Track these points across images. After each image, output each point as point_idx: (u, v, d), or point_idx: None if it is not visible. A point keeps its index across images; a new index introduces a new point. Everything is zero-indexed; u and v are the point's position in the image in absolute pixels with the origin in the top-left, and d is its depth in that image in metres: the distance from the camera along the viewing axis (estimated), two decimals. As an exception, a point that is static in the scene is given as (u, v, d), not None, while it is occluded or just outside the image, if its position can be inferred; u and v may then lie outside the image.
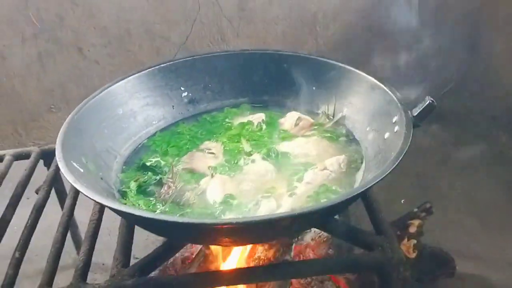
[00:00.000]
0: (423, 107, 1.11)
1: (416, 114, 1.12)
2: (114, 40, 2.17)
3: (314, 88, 1.42)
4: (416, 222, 1.36)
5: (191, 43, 2.17)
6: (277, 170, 1.19)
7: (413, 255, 1.33)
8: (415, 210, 1.40)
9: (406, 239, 1.35)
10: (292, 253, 1.26)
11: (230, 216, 1.06)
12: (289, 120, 1.38)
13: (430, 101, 1.11)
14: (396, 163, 0.98)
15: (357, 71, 1.33)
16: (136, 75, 1.38)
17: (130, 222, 1.12)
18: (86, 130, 1.20)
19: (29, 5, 2.03)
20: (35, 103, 2.25)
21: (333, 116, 1.37)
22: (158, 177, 1.18)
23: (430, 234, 1.46)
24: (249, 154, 1.25)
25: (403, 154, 1.00)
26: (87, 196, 0.94)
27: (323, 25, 2.16)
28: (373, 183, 0.93)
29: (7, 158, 1.44)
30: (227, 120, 1.41)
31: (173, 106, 1.44)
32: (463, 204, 1.76)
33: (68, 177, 0.98)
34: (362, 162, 1.20)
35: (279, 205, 1.09)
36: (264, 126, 1.37)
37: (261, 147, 1.28)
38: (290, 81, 1.45)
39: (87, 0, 2.06)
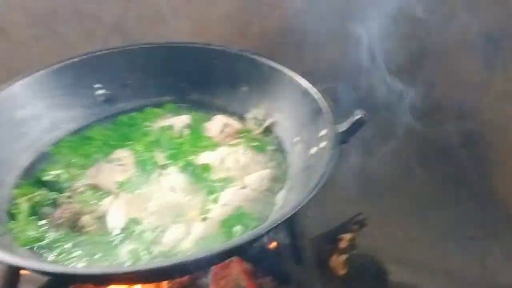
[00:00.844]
0: (352, 122, 0.99)
1: (343, 130, 1.00)
2: (39, 21, 1.95)
3: (245, 88, 1.29)
4: (348, 236, 1.26)
5: (125, 24, 1.97)
6: (193, 187, 1.07)
7: (342, 272, 1.24)
8: (348, 221, 1.30)
9: (336, 255, 1.25)
10: (209, 276, 1.14)
11: (130, 246, 0.94)
12: (215, 124, 1.25)
13: (361, 115, 0.99)
14: (316, 190, 0.86)
15: (290, 72, 1.20)
16: (42, 71, 1.22)
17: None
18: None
19: None
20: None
21: (262, 122, 1.24)
22: (53, 197, 1.03)
23: (364, 238, 1.36)
24: (164, 167, 1.11)
25: (325, 178, 0.89)
26: None
27: (270, 6, 1.98)
28: (282, 219, 0.81)
29: None
30: (146, 123, 1.27)
31: (86, 106, 1.28)
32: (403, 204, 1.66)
33: None
34: (285, 177, 1.08)
35: (188, 232, 0.96)
36: (187, 132, 1.23)
37: (179, 158, 1.14)
38: (220, 79, 1.31)
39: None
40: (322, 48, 1.71)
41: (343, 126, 1.00)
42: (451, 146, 1.61)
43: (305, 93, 1.14)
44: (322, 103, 1.08)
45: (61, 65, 1.25)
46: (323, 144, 1.01)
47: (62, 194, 1.04)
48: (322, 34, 1.73)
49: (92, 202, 1.03)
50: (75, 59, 1.27)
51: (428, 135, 1.56)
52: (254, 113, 1.26)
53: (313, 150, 1.05)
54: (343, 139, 0.99)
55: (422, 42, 1.62)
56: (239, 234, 0.95)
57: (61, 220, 0.98)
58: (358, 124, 0.99)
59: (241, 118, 1.28)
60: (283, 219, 0.81)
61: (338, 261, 1.22)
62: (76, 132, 1.24)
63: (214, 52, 1.31)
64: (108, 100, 1.31)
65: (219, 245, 0.89)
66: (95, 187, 1.07)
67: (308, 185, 0.91)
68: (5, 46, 2.02)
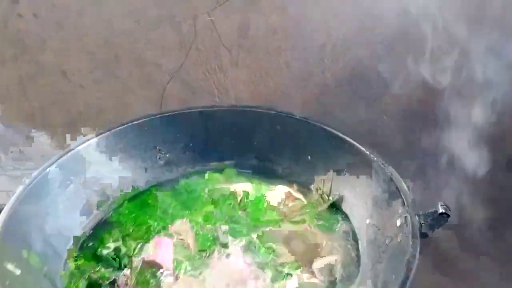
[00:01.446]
0: (434, 217, 0.91)
1: (424, 223, 0.91)
2: (101, 65, 1.97)
3: (309, 157, 1.22)
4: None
5: (185, 72, 1.96)
6: (256, 272, 1.00)
7: None
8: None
9: None
10: None
11: None
12: (278, 195, 1.18)
13: (444, 210, 0.90)
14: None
15: (359, 146, 1.13)
16: (104, 134, 1.20)
17: None
18: (36, 210, 1.02)
19: (8, 26, 1.84)
20: (16, 128, 2.08)
21: (329, 196, 1.17)
22: (112, 276, 0.99)
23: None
24: (225, 245, 1.05)
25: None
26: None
27: (332, 58, 1.93)
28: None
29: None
30: (206, 190, 1.22)
31: (146, 169, 1.25)
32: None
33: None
34: (358, 268, 1.00)
35: None
36: (248, 202, 1.17)
37: (241, 235, 1.08)
38: (283, 145, 1.26)
39: (73, 22, 1.87)
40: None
41: (424, 219, 0.91)
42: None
43: (377, 170, 1.06)
44: (399, 184, 0.99)
45: (123, 128, 1.22)
46: (400, 236, 0.93)
47: (121, 272, 0.99)
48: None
49: (152, 282, 0.98)
50: (138, 121, 1.24)
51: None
52: (319, 185, 1.19)
53: (388, 240, 0.97)
54: (424, 233, 0.90)
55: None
56: None
57: (119, 304, 0.93)
58: (441, 218, 0.90)
59: (305, 189, 1.21)
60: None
61: None
62: (135, 197, 1.20)
63: (277, 118, 1.26)
64: (168, 163, 1.27)
65: None
66: (153, 265, 1.02)
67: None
68: (66, 89, 2.04)
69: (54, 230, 1.05)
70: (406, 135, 1.48)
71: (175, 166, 1.28)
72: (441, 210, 0.90)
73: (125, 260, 1.03)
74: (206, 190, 1.22)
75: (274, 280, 0.98)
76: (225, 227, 1.10)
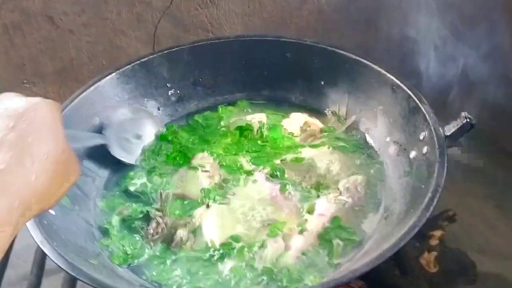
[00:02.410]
0: (459, 125, 0.92)
1: (449, 134, 0.93)
2: (88, 7, 1.89)
3: (322, 83, 1.22)
4: (438, 233, 1.21)
5: (175, 8, 1.89)
6: (284, 195, 1.02)
7: (434, 270, 1.19)
8: (437, 217, 1.25)
9: (426, 252, 1.20)
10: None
11: (231, 263, 0.90)
12: (294, 123, 1.19)
13: (467, 120, 0.92)
14: (430, 209, 0.81)
15: (374, 66, 1.13)
16: (114, 74, 1.17)
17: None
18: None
19: (-13, -28, 1.74)
20: (6, 80, 2.02)
21: (345, 119, 1.18)
22: (145, 210, 1.00)
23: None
24: (250, 173, 1.07)
25: (438, 195, 0.83)
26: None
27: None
28: (401, 244, 0.76)
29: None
30: (222, 123, 1.21)
31: (159, 108, 1.24)
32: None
33: (35, 236, 0.81)
34: (383, 185, 1.03)
35: (288, 247, 0.92)
36: (265, 132, 1.17)
37: (263, 162, 1.10)
38: (294, 73, 1.25)
39: (54, -37, 1.78)
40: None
41: (449, 130, 0.93)
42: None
43: (396, 88, 1.07)
44: (419, 99, 1.01)
45: (130, 67, 1.19)
46: (425, 149, 0.95)
47: (152, 206, 1.00)
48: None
49: (184, 214, 0.99)
50: (145, 59, 1.21)
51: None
52: (334, 109, 1.20)
53: (413, 154, 0.99)
54: (448, 144, 0.92)
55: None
56: (341, 249, 0.91)
57: (157, 236, 0.95)
58: (465, 128, 0.92)
59: (320, 114, 1.22)
60: (401, 244, 0.76)
61: (429, 259, 1.17)
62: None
63: (286, 45, 1.24)
64: (180, 99, 1.26)
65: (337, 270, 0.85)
66: (183, 197, 1.03)
67: (418, 199, 0.85)
68: (55, 36, 1.97)
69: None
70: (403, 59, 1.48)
71: (187, 102, 1.27)
72: (465, 120, 0.91)
73: (152, 195, 1.04)
74: (222, 123, 1.21)
75: (303, 200, 1.00)
76: (247, 157, 1.11)
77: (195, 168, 1.09)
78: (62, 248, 0.81)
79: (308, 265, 0.89)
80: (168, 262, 0.92)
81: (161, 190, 1.03)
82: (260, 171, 1.07)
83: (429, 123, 0.96)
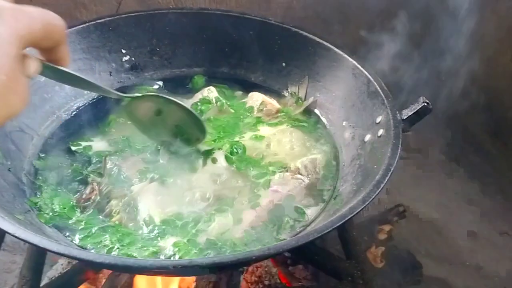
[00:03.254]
0: (416, 109, 0.91)
1: (406, 117, 0.92)
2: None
3: (283, 64, 1.19)
4: (387, 228, 1.20)
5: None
6: (241, 172, 0.97)
7: (380, 265, 1.18)
8: (387, 212, 1.24)
9: (374, 247, 1.19)
10: (242, 277, 1.07)
11: (172, 239, 0.85)
12: (251, 102, 1.15)
13: (425, 104, 0.91)
14: (381, 187, 0.78)
15: (337, 50, 1.11)
16: (67, 31, 1.09)
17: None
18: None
19: None
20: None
21: (303, 100, 1.15)
22: (84, 172, 0.93)
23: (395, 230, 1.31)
24: (210, 152, 1.01)
25: (389, 174, 0.80)
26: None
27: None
28: (340, 222, 0.73)
29: None
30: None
31: (110, 73, 1.18)
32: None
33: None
34: (338, 166, 1.00)
35: (238, 220, 0.88)
36: (224, 108, 1.13)
37: (223, 138, 1.05)
38: (256, 52, 1.21)
39: None
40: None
41: (406, 114, 0.92)
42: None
43: (356, 72, 1.05)
44: (379, 83, 0.99)
45: (85, 26, 1.13)
46: (381, 131, 0.93)
47: (91, 170, 0.94)
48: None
49: (123, 185, 0.93)
50: (101, 20, 1.15)
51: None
52: (293, 91, 1.17)
53: (368, 137, 0.97)
54: (404, 128, 0.91)
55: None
56: (290, 226, 0.88)
57: (89, 202, 0.88)
58: (422, 113, 0.91)
59: (278, 96, 1.19)
60: (342, 221, 0.73)
61: (376, 254, 1.15)
62: (100, 100, 1.13)
63: (251, 22, 1.21)
64: (134, 67, 1.20)
65: (272, 242, 0.81)
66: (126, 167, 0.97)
67: (368, 179, 0.83)
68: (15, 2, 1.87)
69: (14, 127, 0.97)
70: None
71: (141, 71, 1.21)
72: (422, 103, 0.90)
73: (96, 160, 0.97)
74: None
75: (259, 177, 0.96)
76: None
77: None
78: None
79: (255, 238, 0.85)
80: (94, 229, 0.85)
81: (106, 157, 0.96)
82: (219, 149, 1.01)
83: (386, 107, 0.95)
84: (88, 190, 0.90)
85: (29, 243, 0.66)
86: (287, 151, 1.02)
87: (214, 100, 1.13)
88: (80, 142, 1.01)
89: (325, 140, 1.07)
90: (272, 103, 1.14)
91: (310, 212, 0.91)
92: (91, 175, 0.94)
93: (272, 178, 0.95)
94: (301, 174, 0.95)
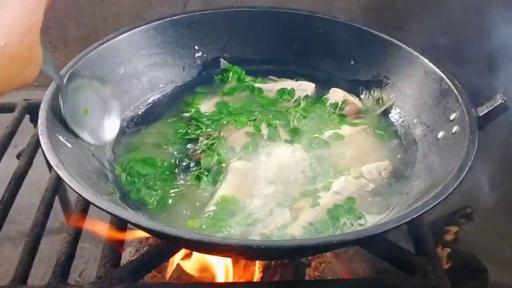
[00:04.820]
0: (492, 106, 0.90)
1: (482, 114, 0.91)
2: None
3: (352, 62, 1.20)
4: (454, 229, 1.18)
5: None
6: (310, 168, 0.99)
7: (446, 266, 1.16)
8: (454, 213, 1.22)
9: (440, 247, 1.17)
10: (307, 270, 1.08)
11: (226, 221, 0.87)
12: (334, 98, 1.16)
13: (502, 101, 0.89)
14: (458, 182, 0.78)
15: (407, 48, 1.11)
16: (144, 27, 1.15)
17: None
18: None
19: None
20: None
21: (381, 101, 1.15)
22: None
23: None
24: (287, 141, 1.04)
25: (466, 170, 0.80)
26: (73, 190, 0.75)
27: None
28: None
29: (-14, 110, 1.24)
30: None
31: (183, 68, 1.22)
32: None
33: (51, 160, 0.78)
34: (408, 168, 0.99)
35: (296, 217, 0.89)
36: (303, 103, 1.16)
37: (302, 133, 1.07)
38: (324, 50, 1.23)
39: None
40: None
41: (482, 111, 0.91)
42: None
43: (428, 70, 1.05)
44: (452, 81, 0.99)
45: (161, 22, 1.18)
46: (455, 128, 0.93)
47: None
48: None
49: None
50: (176, 17, 1.19)
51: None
52: (365, 91, 1.18)
53: (441, 134, 0.96)
54: (480, 125, 0.90)
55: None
56: (347, 228, 0.87)
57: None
58: (498, 110, 0.90)
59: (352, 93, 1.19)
60: (421, 212, 0.73)
61: (442, 254, 1.14)
62: (173, 93, 1.18)
63: (319, 21, 1.23)
64: (205, 63, 1.24)
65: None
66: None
67: (443, 175, 0.83)
68: (82, 2, 1.97)
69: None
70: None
71: (212, 67, 1.25)
72: (500, 100, 0.89)
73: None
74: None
75: (324, 176, 0.97)
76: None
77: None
78: (78, 178, 0.78)
79: (316, 233, 0.86)
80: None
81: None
82: (299, 142, 1.04)
83: (461, 104, 0.94)
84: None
85: (122, 218, 0.70)
86: (356, 154, 1.02)
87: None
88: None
89: (396, 138, 1.07)
90: (355, 101, 1.15)
91: (370, 218, 0.90)
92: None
93: (335, 180, 0.95)
94: (365, 179, 0.95)
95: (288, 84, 1.20)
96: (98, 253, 1.31)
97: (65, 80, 0.88)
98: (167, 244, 0.90)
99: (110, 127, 0.96)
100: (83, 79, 0.93)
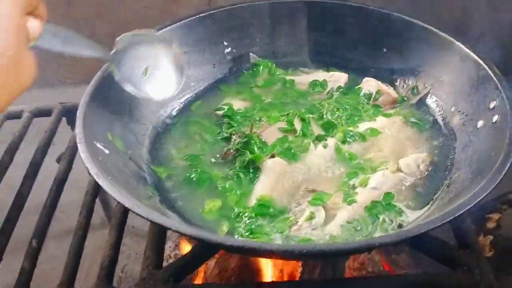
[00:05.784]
0: (535, 94, 0.87)
1: (524, 102, 0.88)
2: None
3: (384, 50, 1.18)
4: (496, 216, 1.16)
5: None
6: (345, 164, 0.98)
7: (489, 254, 1.14)
8: (496, 199, 1.19)
9: (482, 235, 1.15)
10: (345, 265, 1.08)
11: (262, 221, 0.87)
12: (367, 88, 1.14)
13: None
14: (502, 174, 0.76)
15: (442, 33, 1.08)
16: (172, 26, 1.15)
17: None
18: (113, 96, 0.99)
19: None
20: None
21: (413, 88, 1.13)
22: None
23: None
24: (320, 137, 1.02)
25: (510, 161, 0.78)
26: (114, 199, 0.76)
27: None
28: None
29: (25, 116, 1.27)
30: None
31: (214, 65, 1.22)
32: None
33: (91, 169, 0.80)
34: (451, 161, 0.97)
35: (332, 215, 0.88)
36: (336, 94, 1.15)
37: (336, 127, 1.05)
38: (355, 39, 1.21)
39: None
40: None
41: (524, 98, 0.88)
42: None
43: (465, 56, 1.02)
44: (491, 68, 0.95)
45: (188, 20, 1.17)
46: (496, 117, 0.90)
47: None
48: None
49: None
50: (203, 14, 1.19)
51: None
52: (399, 79, 1.15)
53: (481, 123, 0.94)
54: (522, 114, 0.87)
55: None
56: (386, 225, 0.86)
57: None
58: (541, 97, 0.86)
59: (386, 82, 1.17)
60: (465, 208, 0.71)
61: (485, 242, 1.12)
62: (207, 90, 1.18)
63: (347, 9, 1.20)
64: (235, 59, 1.24)
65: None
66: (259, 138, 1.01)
67: (486, 166, 0.80)
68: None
69: (132, 118, 1.04)
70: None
71: (243, 62, 1.24)
72: (543, 86, 0.86)
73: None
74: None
75: (359, 172, 0.95)
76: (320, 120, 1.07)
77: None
78: (117, 186, 0.80)
79: (355, 231, 0.85)
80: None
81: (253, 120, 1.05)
82: (332, 137, 1.02)
83: (501, 91, 0.91)
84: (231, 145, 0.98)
85: (164, 227, 0.71)
86: (393, 147, 1.00)
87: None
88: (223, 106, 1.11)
89: (436, 130, 1.04)
90: (389, 91, 1.12)
91: (410, 213, 0.88)
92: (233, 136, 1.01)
93: (372, 175, 0.93)
94: (403, 173, 0.93)
95: (320, 75, 1.19)
96: (139, 248, 1.34)
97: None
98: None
99: (174, 82, 0.97)
100: (141, 40, 0.93)
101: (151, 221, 0.72)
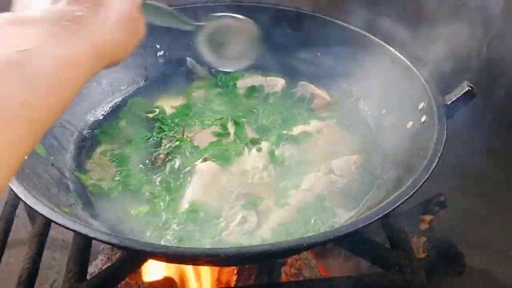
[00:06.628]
0: (459, 94, 0.89)
1: (450, 102, 0.89)
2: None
3: (318, 54, 1.18)
4: (428, 217, 1.17)
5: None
6: (277, 168, 0.96)
7: (422, 255, 1.15)
8: (428, 201, 1.21)
9: (415, 237, 1.16)
10: (282, 269, 1.06)
11: (192, 227, 0.84)
12: (302, 92, 1.14)
13: (469, 88, 0.88)
14: (429, 172, 0.76)
15: (372, 37, 1.10)
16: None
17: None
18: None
19: None
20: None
21: (349, 93, 1.13)
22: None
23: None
24: (254, 141, 1.00)
25: (436, 160, 0.79)
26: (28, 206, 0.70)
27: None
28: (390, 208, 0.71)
29: None
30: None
31: (146, 68, 1.18)
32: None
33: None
34: (382, 162, 0.97)
35: (265, 218, 0.86)
36: (272, 99, 1.14)
37: (270, 131, 1.04)
38: (290, 43, 1.20)
39: None
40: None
41: (449, 99, 0.89)
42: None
43: (395, 59, 1.03)
44: (419, 70, 0.97)
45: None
46: (424, 118, 0.91)
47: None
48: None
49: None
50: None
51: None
52: (332, 82, 1.16)
53: (410, 124, 0.95)
54: (448, 113, 0.89)
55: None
56: (318, 227, 0.85)
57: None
58: (466, 98, 0.88)
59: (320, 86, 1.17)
60: (393, 207, 0.71)
61: (418, 244, 1.13)
62: (136, 94, 1.14)
63: (283, 14, 1.20)
64: (168, 62, 1.20)
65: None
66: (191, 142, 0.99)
67: (414, 166, 0.81)
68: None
69: (56, 123, 0.97)
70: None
71: (179, 66, 1.21)
72: (466, 88, 0.88)
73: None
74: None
75: (292, 175, 0.94)
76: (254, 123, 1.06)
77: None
78: (33, 192, 0.74)
79: (287, 234, 0.83)
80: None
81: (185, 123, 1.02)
82: (266, 140, 1.01)
83: (428, 92, 0.93)
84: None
85: (80, 233, 0.66)
86: (325, 149, 1.00)
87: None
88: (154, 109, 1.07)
89: (364, 130, 1.05)
90: (322, 94, 1.13)
91: (343, 214, 0.87)
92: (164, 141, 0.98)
93: (305, 177, 0.93)
94: (336, 174, 0.93)
95: (257, 80, 1.17)
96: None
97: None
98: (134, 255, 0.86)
99: (251, 52, 0.97)
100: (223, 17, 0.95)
101: (66, 228, 0.67)
